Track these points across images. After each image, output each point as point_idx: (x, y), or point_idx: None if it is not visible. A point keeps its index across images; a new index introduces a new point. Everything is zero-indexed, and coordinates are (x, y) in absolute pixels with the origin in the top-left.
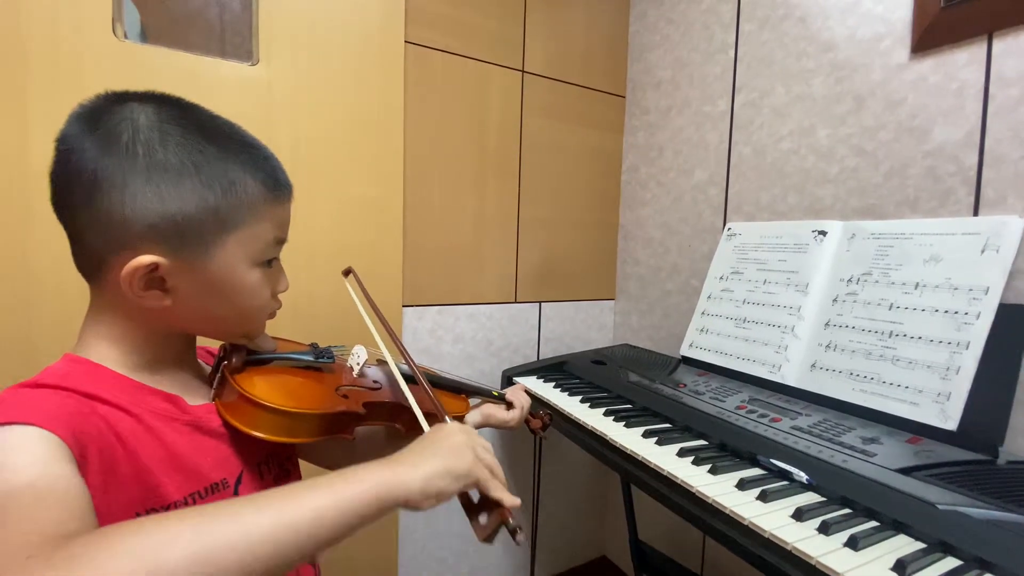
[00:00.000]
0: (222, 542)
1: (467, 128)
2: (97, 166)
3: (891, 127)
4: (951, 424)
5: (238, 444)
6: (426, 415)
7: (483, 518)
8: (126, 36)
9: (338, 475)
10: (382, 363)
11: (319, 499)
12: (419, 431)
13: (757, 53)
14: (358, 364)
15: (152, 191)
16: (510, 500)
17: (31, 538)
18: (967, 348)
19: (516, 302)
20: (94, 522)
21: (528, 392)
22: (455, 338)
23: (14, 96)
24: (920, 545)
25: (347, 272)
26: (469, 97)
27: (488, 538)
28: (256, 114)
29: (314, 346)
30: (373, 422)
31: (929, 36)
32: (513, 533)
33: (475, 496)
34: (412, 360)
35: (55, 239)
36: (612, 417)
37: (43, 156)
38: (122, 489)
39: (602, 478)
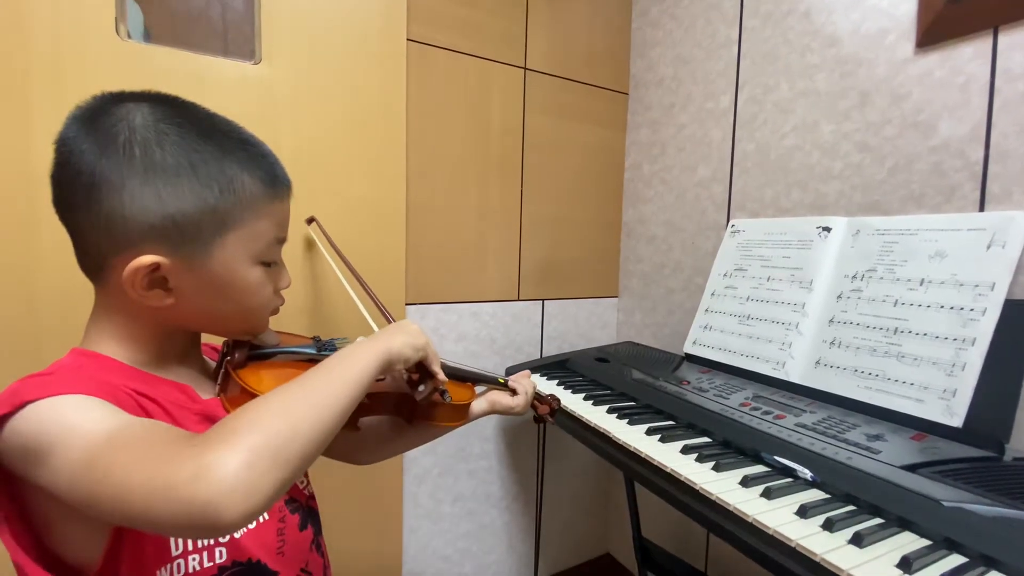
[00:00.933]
0: (324, 395)
1: (469, 126)
2: (95, 167)
3: (896, 122)
4: (956, 421)
5: None
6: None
7: (422, 387)
8: (129, 36)
9: (352, 350)
10: None
11: (357, 362)
12: (423, 423)
13: (761, 49)
14: None
15: (150, 191)
16: (442, 376)
17: (171, 438)
18: (973, 344)
19: (519, 300)
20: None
21: None
22: (458, 336)
23: (18, 96)
24: (925, 542)
25: (310, 220)
26: (471, 94)
27: (425, 398)
28: (259, 113)
29: (316, 339)
30: (377, 412)
31: (934, 30)
32: (443, 393)
33: (415, 376)
34: (348, 261)
35: (59, 239)
36: (615, 414)
37: (46, 157)
38: None
39: (605, 476)
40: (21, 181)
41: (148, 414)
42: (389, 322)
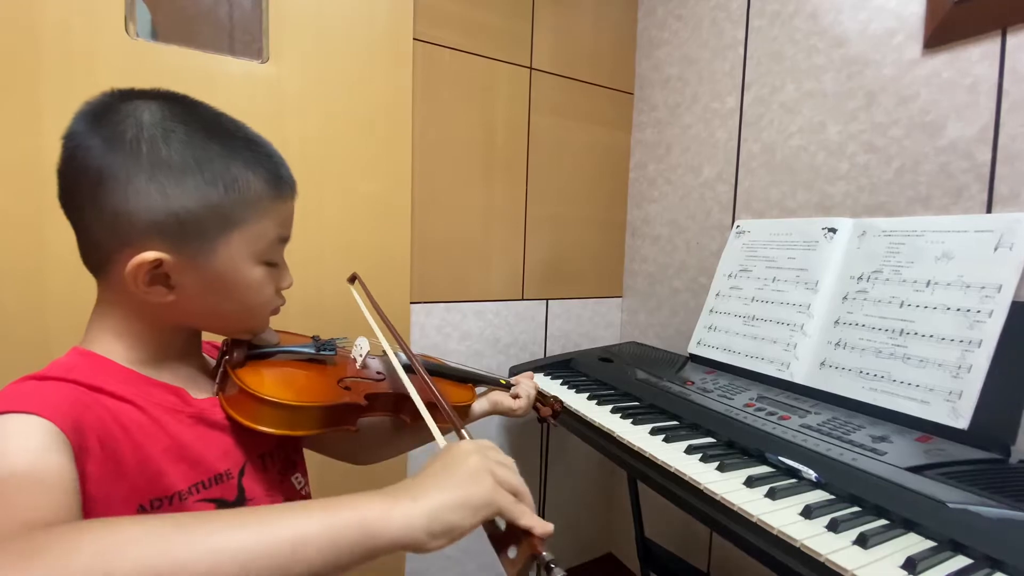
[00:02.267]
0: (185, 558)
1: (475, 125)
2: (102, 163)
3: (903, 123)
4: (962, 423)
5: (241, 436)
6: (428, 405)
7: (511, 551)
8: (138, 35)
9: (329, 503)
10: (386, 355)
11: (301, 527)
12: (423, 422)
13: (767, 49)
14: (361, 356)
15: (155, 188)
16: (542, 528)
17: (6, 523)
18: (979, 346)
19: (523, 299)
20: (76, 515)
21: None
22: (462, 335)
23: (28, 94)
24: (930, 543)
25: (352, 279)
26: (477, 94)
27: (519, 574)
28: (266, 111)
29: (316, 339)
30: (376, 413)
31: (942, 31)
32: (548, 569)
33: (501, 524)
34: (413, 355)
35: (68, 237)
36: (619, 414)
37: (56, 155)
38: (126, 478)
39: (608, 475)
40: (31, 179)
41: (123, 428)
42: (437, 403)
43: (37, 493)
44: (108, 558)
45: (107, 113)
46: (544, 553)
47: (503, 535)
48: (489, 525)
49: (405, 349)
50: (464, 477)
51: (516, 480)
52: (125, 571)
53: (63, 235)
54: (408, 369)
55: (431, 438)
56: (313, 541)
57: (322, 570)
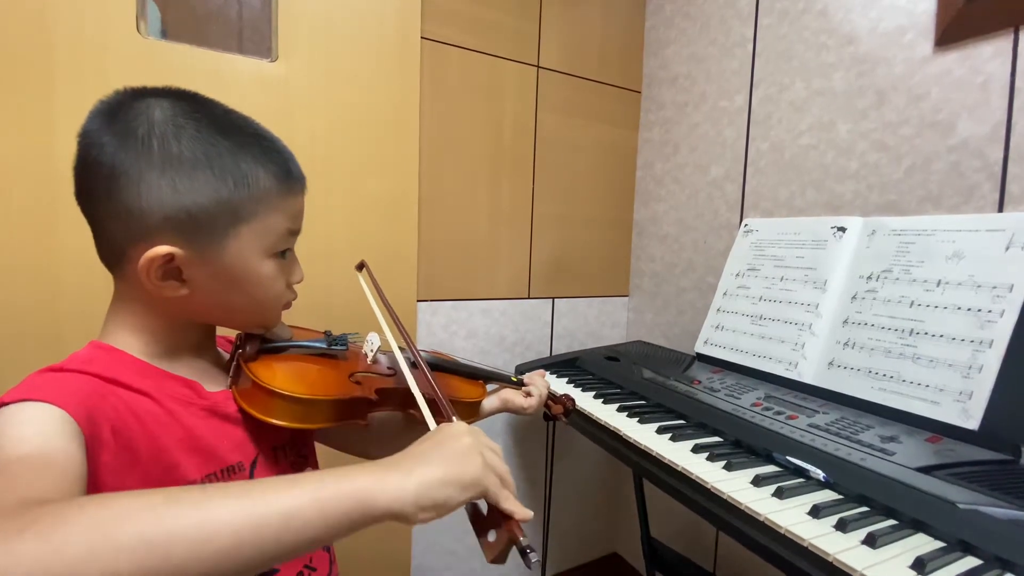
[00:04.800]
0: (178, 528)
1: (482, 124)
2: (115, 160)
3: (914, 122)
4: (973, 423)
5: (254, 429)
6: (429, 403)
7: (492, 535)
8: (148, 33)
9: (322, 475)
10: (396, 350)
11: (293, 498)
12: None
13: (776, 47)
14: (372, 351)
15: (167, 183)
16: (522, 513)
17: (6, 499)
18: (990, 346)
19: (529, 298)
20: (80, 495)
21: None
22: (468, 333)
23: (41, 93)
24: (940, 544)
25: (360, 266)
26: (484, 93)
27: (497, 558)
28: (274, 110)
29: (328, 334)
30: (387, 408)
31: (954, 29)
32: (524, 553)
33: (484, 507)
34: (418, 350)
35: (81, 232)
36: (626, 413)
37: (69, 151)
38: (139, 468)
39: (614, 475)
40: (44, 176)
41: (138, 419)
42: (439, 401)
43: (40, 474)
44: (102, 529)
45: (120, 111)
46: (522, 538)
47: (484, 519)
48: (471, 508)
49: (409, 344)
50: (455, 456)
51: (502, 465)
52: (119, 541)
53: (76, 232)
54: (414, 365)
55: None
56: (304, 512)
57: (314, 539)
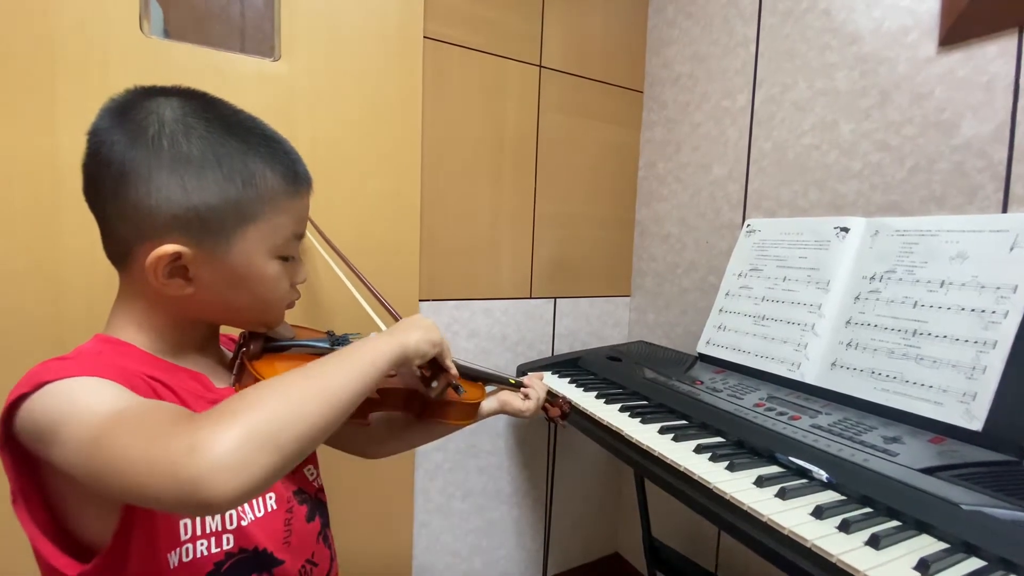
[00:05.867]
0: (330, 380)
1: (484, 123)
2: (124, 158)
3: (917, 121)
4: (976, 424)
5: None
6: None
7: (435, 383)
8: (151, 33)
9: (365, 343)
10: None
11: (369, 353)
12: (432, 420)
13: (779, 47)
14: None
15: (176, 182)
16: (455, 371)
17: (172, 416)
18: (994, 347)
19: (531, 297)
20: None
21: None
22: (470, 333)
23: (44, 92)
24: (943, 545)
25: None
26: (486, 92)
27: (439, 395)
28: (277, 109)
29: (330, 333)
30: (388, 407)
31: (958, 28)
32: (456, 388)
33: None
34: (353, 265)
35: (84, 230)
36: (628, 413)
37: (72, 150)
38: None
39: (615, 475)
40: (48, 175)
41: (161, 399)
42: (396, 319)
43: (164, 405)
44: (285, 391)
45: (130, 110)
46: (455, 380)
47: (427, 378)
48: (422, 368)
49: (360, 277)
50: (426, 328)
51: (447, 341)
52: (302, 394)
53: (80, 231)
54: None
55: (440, 434)
56: (377, 361)
57: (381, 375)
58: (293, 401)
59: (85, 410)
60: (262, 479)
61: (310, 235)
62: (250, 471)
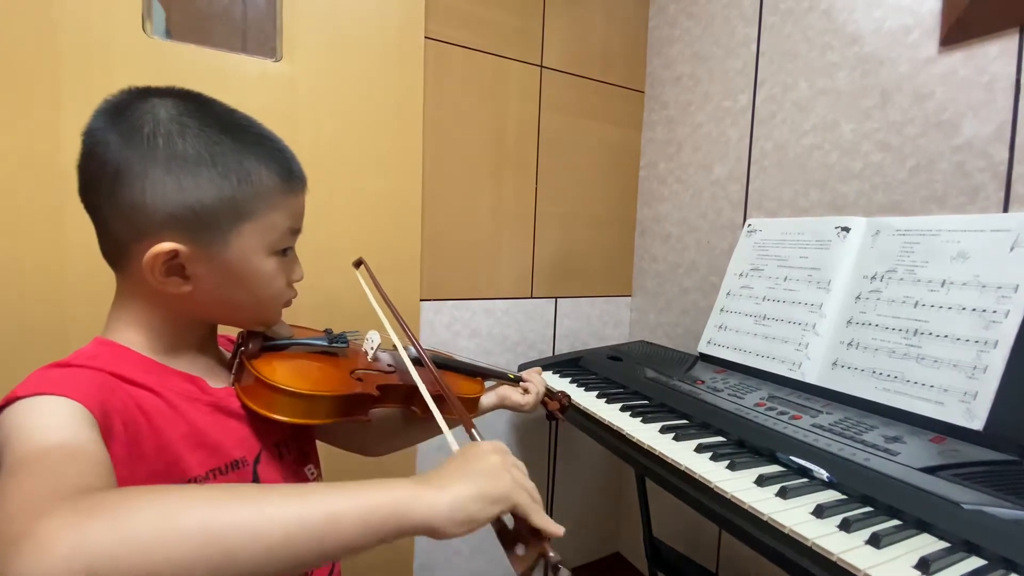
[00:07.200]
0: (237, 520)
1: (485, 123)
2: (120, 157)
3: (918, 122)
4: (977, 424)
5: (257, 425)
6: (435, 397)
7: (520, 549)
8: (153, 33)
9: (363, 484)
10: (396, 348)
11: (339, 502)
12: (432, 414)
13: (780, 47)
14: (372, 349)
15: (171, 181)
16: (554, 529)
17: (60, 487)
18: (995, 347)
19: (532, 297)
20: (115, 486)
21: None
22: (471, 332)
23: (47, 92)
24: (944, 544)
25: (358, 263)
26: (487, 92)
27: (527, 572)
28: (279, 109)
29: (328, 332)
30: (388, 404)
31: (959, 28)
32: (556, 569)
33: (509, 522)
34: (421, 346)
35: (87, 230)
36: (629, 412)
37: (75, 150)
38: (145, 462)
39: (616, 475)
40: (51, 174)
41: (144, 413)
42: (445, 396)
43: (79, 463)
44: (169, 516)
45: (125, 109)
46: (552, 554)
47: (511, 533)
48: (498, 523)
49: (413, 341)
50: (485, 473)
51: (530, 482)
52: (184, 528)
53: (82, 229)
54: (417, 362)
55: (440, 431)
56: (347, 517)
57: (352, 544)
58: (195, 521)
59: (25, 437)
60: None
61: (360, 279)
62: None
